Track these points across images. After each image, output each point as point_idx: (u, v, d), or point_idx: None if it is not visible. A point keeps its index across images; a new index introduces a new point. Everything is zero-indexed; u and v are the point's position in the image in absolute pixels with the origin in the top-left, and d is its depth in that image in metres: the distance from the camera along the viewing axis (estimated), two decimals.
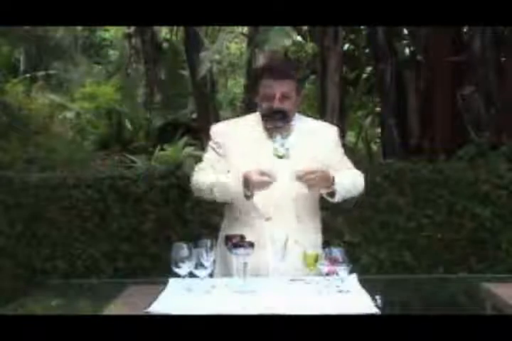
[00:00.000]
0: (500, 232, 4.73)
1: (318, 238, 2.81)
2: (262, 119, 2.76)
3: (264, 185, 2.59)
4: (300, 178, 2.59)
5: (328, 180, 2.65)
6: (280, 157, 2.62)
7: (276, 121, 2.71)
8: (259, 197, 2.66)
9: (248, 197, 2.65)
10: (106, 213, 4.90)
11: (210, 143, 2.85)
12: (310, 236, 2.73)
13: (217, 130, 2.86)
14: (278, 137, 2.70)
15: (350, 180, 2.77)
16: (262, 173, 2.58)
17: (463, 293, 2.65)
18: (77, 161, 7.28)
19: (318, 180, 2.62)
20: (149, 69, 10.05)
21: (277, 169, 2.63)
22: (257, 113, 2.81)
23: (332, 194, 2.70)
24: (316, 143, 2.77)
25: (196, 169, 2.86)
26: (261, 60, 7.85)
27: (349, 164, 2.89)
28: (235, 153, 2.75)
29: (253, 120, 2.82)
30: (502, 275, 4.08)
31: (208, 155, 2.84)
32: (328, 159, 2.76)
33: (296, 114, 2.82)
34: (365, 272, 4.34)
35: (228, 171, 2.73)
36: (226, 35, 8.47)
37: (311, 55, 8.61)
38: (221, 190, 2.70)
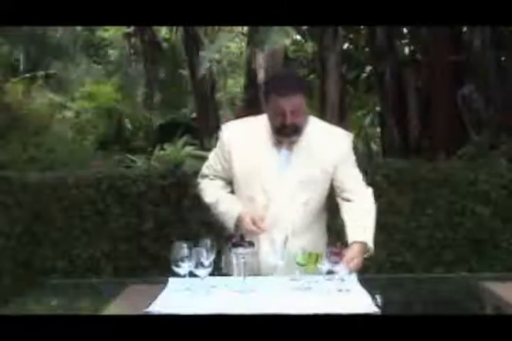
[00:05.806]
0: (500, 232, 4.73)
1: (323, 238, 2.81)
2: (274, 132, 2.65)
3: (251, 234, 2.56)
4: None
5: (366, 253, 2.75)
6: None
7: (290, 136, 2.63)
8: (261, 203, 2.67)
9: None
10: (106, 213, 4.90)
11: (217, 146, 2.80)
12: (315, 237, 2.72)
13: (228, 135, 2.76)
14: (283, 150, 2.67)
15: (373, 224, 2.96)
16: (255, 222, 2.57)
17: (462, 292, 2.64)
18: (77, 161, 7.28)
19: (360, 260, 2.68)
20: (149, 69, 10.06)
21: (281, 179, 2.65)
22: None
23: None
24: (326, 152, 2.69)
25: (201, 173, 2.86)
26: (261, 61, 7.83)
27: (358, 178, 2.82)
28: (239, 162, 2.71)
29: (264, 123, 2.69)
30: (502, 274, 4.08)
31: (212, 162, 2.81)
32: (336, 170, 2.72)
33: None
34: (365, 272, 4.33)
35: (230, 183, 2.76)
36: (226, 34, 8.47)
37: (310, 55, 8.61)
38: (216, 214, 2.74)
